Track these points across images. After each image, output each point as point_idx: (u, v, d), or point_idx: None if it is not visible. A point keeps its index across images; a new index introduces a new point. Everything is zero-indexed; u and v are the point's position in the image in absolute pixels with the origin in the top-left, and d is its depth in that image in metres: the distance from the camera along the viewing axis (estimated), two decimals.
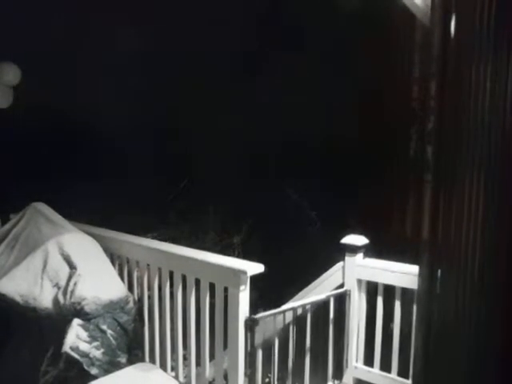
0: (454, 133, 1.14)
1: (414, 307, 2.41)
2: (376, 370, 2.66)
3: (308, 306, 2.59)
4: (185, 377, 2.50)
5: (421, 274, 1.16)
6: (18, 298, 2.28)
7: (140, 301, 2.62)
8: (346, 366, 2.77)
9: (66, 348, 2.15)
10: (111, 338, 2.31)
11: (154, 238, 2.85)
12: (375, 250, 2.72)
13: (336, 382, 2.78)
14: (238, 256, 3.91)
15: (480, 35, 1.06)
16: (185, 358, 2.49)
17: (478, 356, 1.13)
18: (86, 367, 2.17)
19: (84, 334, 2.22)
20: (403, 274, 2.49)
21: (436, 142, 1.15)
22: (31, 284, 2.32)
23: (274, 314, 2.38)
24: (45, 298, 2.29)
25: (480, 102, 1.10)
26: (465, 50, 1.11)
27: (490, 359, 1.10)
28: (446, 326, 1.17)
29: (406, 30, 3.03)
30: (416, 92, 3.23)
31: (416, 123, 3.00)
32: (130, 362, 2.38)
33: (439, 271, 1.15)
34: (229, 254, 2.39)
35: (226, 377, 2.27)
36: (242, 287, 2.09)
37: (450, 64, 1.12)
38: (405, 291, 2.50)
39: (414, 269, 2.40)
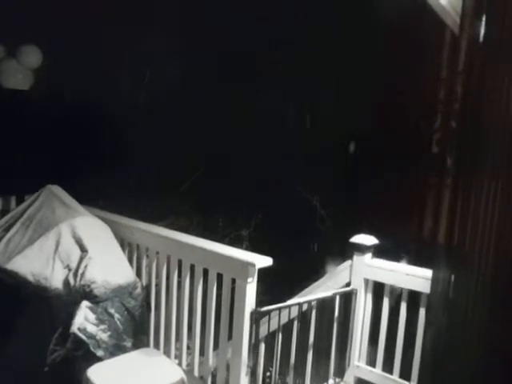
0: (475, 135, 1.14)
1: (420, 310, 2.42)
2: (378, 370, 2.67)
3: (314, 303, 2.59)
4: (187, 365, 2.53)
5: (434, 278, 1.16)
6: (29, 277, 2.32)
7: (147, 287, 2.65)
8: (348, 365, 2.77)
9: (74, 329, 2.18)
10: (118, 322, 2.34)
11: (163, 226, 2.87)
12: (386, 250, 2.71)
13: (337, 379, 2.78)
14: (246, 249, 3.92)
15: (508, 38, 1.05)
16: (188, 347, 2.52)
17: (489, 361, 1.13)
18: (92, 349, 2.21)
19: (92, 317, 2.26)
20: (411, 276, 2.48)
21: (456, 144, 1.15)
22: (43, 264, 2.36)
23: (280, 308, 2.39)
24: (56, 278, 2.33)
25: (504, 104, 1.09)
26: (491, 52, 1.11)
27: (502, 364, 1.10)
28: (456, 331, 1.17)
29: (431, 31, 3.00)
30: (438, 93, 3.19)
31: (438, 124, 2.97)
32: (135, 346, 2.41)
33: (453, 276, 1.15)
34: (237, 247, 2.39)
35: (228, 367, 2.30)
36: (249, 279, 2.10)
37: (475, 66, 1.12)
38: (411, 293, 2.49)
39: (422, 271, 2.41)
